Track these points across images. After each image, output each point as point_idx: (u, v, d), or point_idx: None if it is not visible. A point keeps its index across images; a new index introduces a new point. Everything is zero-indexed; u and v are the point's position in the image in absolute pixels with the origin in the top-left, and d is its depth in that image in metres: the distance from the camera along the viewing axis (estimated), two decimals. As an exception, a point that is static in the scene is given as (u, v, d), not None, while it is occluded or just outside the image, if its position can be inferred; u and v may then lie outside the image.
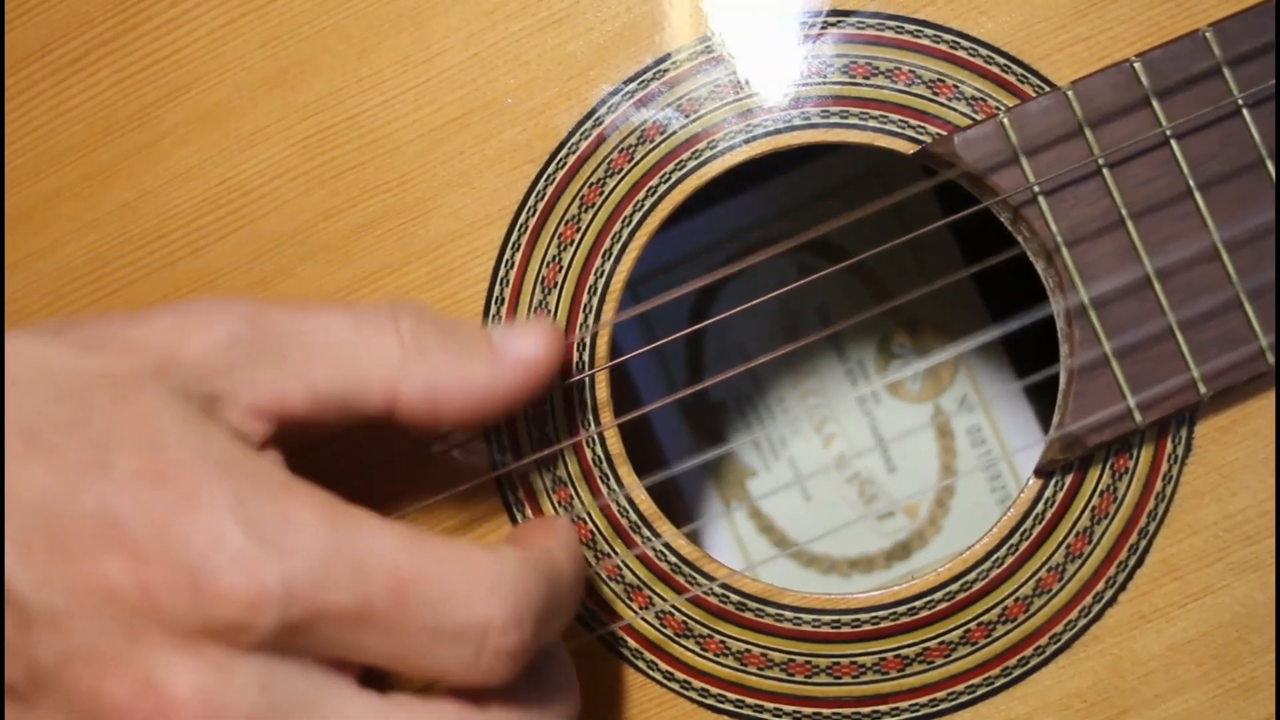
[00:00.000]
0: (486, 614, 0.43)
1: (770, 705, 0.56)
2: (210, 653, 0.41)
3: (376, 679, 0.45)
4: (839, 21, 0.55)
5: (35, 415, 0.42)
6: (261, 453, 0.45)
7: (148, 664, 0.41)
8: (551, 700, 0.46)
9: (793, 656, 0.56)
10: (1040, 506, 0.55)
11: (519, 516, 0.56)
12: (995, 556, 0.55)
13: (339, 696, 0.43)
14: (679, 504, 0.74)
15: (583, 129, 0.56)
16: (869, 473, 0.74)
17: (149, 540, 0.41)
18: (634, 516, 0.56)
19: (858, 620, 0.56)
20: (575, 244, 0.56)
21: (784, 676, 0.56)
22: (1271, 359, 0.54)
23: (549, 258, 0.56)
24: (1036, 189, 0.54)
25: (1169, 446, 0.55)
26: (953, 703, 0.56)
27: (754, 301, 0.57)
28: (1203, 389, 0.54)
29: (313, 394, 0.46)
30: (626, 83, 0.56)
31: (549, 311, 0.56)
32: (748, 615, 0.56)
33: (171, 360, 0.44)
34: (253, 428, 0.45)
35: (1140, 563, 0.55)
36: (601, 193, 0.56)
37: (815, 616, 0.56)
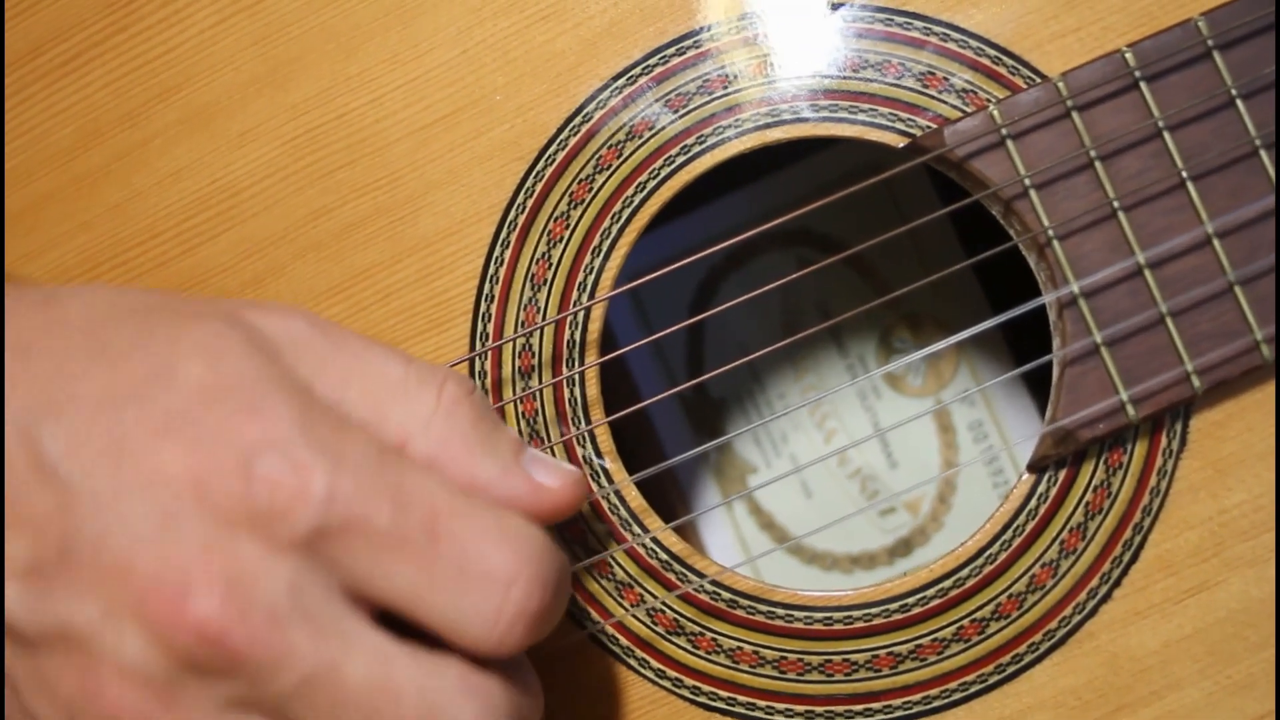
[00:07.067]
0: (514, 567, 0.44)
1: (762, 704, 0.55)
2: (246, 542, 0.43)
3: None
4: (828, 15, 0.55)
5: (103, 328, 0.45)
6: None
7: (181, 544, 0.42)
8: (528, 697, 0.47)
9: (784, 654, 0.55)
10: (1034, 502, 0.55)
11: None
12: (988, 553, 0.55)
13: (354, 626, 0.44)
14: (680, 502, 0.74)
15: (571, 125, 0.56)
16: (870, 469, 0.73)
17: (210, 436, 0.43)
18: (624, 513, 0.56)
19: (850, 617, 0.55)
20: (565, 241, 0.56)
21: (776, 674, 0.55)
22: (1266, 352, 0.53)
23: (538, 255, 0.56)
24: (1027, 181, 0.53)
25: (1164, 441, 0.55)
26: (946, 700, 0.55)
27: (753, 293, 0.57)
28: (1197, 383, 0.53)
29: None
30: (615, 78, 0.56)
31: (539, 310, 0.56)
32: (739, 613, 0.55)
33: (236, 315, 0.46)
34: None
35: (1135, 558, 0.55)
36: (590, 189, 0.56)
37: (807, 613, 0.55)
